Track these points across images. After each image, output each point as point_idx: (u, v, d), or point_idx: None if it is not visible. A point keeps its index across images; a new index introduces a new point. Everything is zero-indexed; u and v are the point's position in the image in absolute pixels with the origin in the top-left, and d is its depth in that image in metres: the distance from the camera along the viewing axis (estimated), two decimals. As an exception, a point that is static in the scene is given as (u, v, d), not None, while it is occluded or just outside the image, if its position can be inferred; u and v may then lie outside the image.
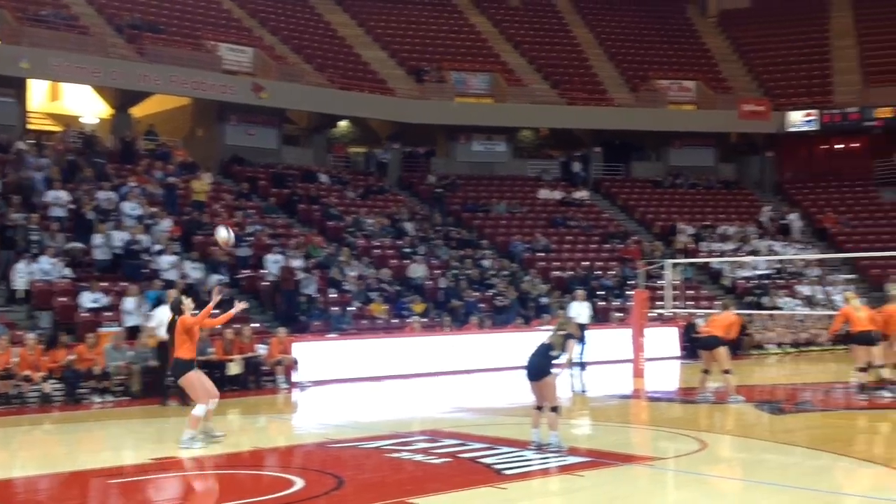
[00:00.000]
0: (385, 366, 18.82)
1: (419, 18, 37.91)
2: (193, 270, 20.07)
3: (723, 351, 14.77)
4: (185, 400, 14.78)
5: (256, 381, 17.14)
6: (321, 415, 15.29)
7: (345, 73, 32.46)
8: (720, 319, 15.00)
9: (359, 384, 17.83)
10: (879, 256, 28.82)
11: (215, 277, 19.88)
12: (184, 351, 10.88)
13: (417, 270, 24.49)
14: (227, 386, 16.08)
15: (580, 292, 20.89)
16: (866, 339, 14.92)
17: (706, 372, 15.00)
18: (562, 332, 10.61)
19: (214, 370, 15.98)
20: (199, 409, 10.80)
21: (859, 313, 15.10)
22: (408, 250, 25.78)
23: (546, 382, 10.39)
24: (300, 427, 14.04)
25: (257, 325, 19.20)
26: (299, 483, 8.97)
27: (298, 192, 27.48)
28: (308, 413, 15.79)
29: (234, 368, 16.64)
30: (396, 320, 21.84)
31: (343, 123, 34.50)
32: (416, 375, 18.88)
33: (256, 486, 9.45)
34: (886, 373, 15.13)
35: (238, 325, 17.34)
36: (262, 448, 11.22)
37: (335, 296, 21.91)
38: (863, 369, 15.02)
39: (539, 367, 10.42)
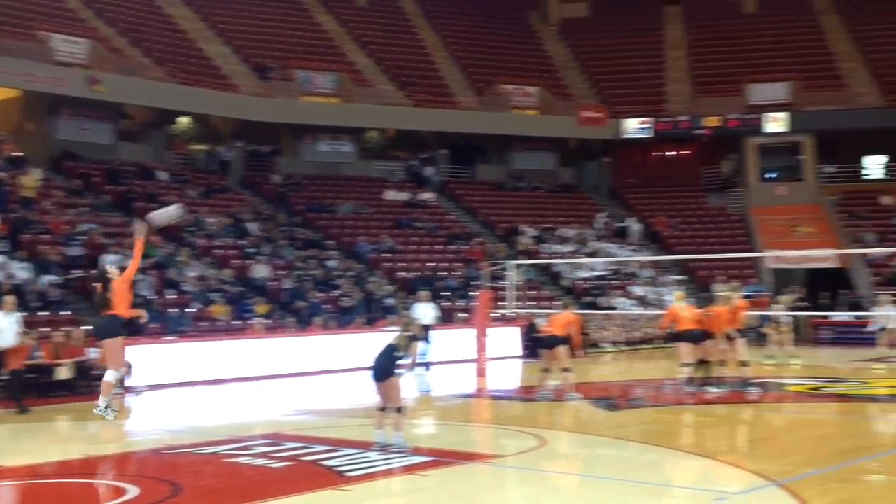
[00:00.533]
0: (226, 369, 18.36)
1: (264, 14, 37.27)
2: (21, 271, 19.07)
3: (562, 349, 15.15)
4: (23, 408, 14.01)
5: (88, 387, 16.33)
6: (157, 420, 14.75)
7: (186, 67, 31.56)
8: (560, 319, 15.38)
9: (198, 388, 17.36)
10: (707, 259, 30.39)
11: (46, 279, 18.96)
12: (122, 309, 11.53)
13: (261, 271, 24.09)
14: (57, 391, 15.35)
15: (424, 293, 21.04)
16: (690, 336, 15.68)
17: (546, 370, 15.35)
18: (407, 334, 10.67)
19: (42, 374, 15.22)
20: (111, 375, 11.19)
21: (684, 312, 15.83)
22: (251, 250, 25.33)
23: (391, 383, 10.41)
24: (135, 433, 13.51)
25: (89, 327, 18.38)
26: (133, 491, 8.64)
27: (135, 190, 26.53)
28: (143, 419, 15.22)
29: (63, 373, 15.88)
30: (238, 322, 21.42)
31: (184, 120, 33.53)
32: (258, 378, 18.53)
33: (87, 495, 9.05)
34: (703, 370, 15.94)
35: (68, 328, 16.58)
36: (94, 455, 10.74)
37: (174, 297, 21.28)
38: (687, 365, 15.77)
39: (384, 368, 10.43)
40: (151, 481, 9.19)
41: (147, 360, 17.25)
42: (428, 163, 35.69)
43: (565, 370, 15.14)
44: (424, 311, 19.58)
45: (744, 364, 15.52)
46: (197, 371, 17.93)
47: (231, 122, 32.59)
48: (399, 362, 10.54)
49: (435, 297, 26.12)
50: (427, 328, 18.83)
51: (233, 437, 11.58)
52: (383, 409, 10.53)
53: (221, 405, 15.95)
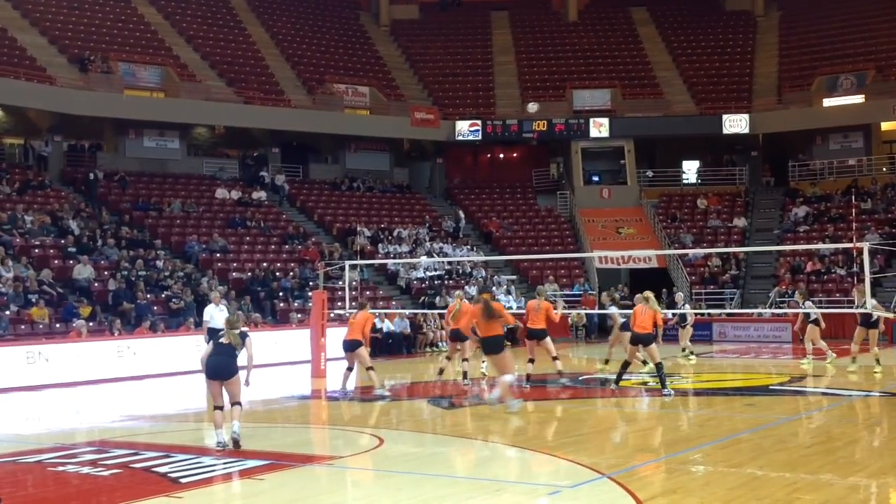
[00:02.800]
0: (48, 374, 17.51)
1: (82, 4, 35.69)
2: None
3: (364, 350, 15.57)
4: None
5: None
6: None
7: (-2, 57, 29.83)
8: (357, 322, 15.57)
9: (18, 394, 16.46)
10: (537, 259, 31.22)
11: None
12: None
13: (83, 272, 23.03)
14: None
15: (216, 294, 19.57)
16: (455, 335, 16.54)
17: (370, 369, 15.57)
18: (235, 331, 10.68)
19: None
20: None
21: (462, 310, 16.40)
22: (72, 250, 24.18)
23: (234, 381, 10.50)
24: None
25: None
26: (-54, 507, 8.09)
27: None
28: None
29: None
30: (60, 325, 20.42)
31: (-4, 112, 31.70)
32: (82, 383, 17.74)
33: None
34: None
35: None
36: None
37: (-12, 299, 20.08)
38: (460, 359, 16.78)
39: (228, 366, 10.50)
40: (-33, 495, 8.63)
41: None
42: (257, 161, 35.10)
43: (369, 369, 15.56)
44: (216, 314, 18.22)
45: (555, 359, 16.12)
46: (16, 376, 17.08)
47: (48, 115, 30.97)
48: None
49: (270, 297, 25.77)
50: (219, 332, 18.03)
51: (57, 445, 11.08)
52: (220, 407, 10.49)
53: (44, 412, 15.18)
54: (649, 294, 15.22)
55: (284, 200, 33.99)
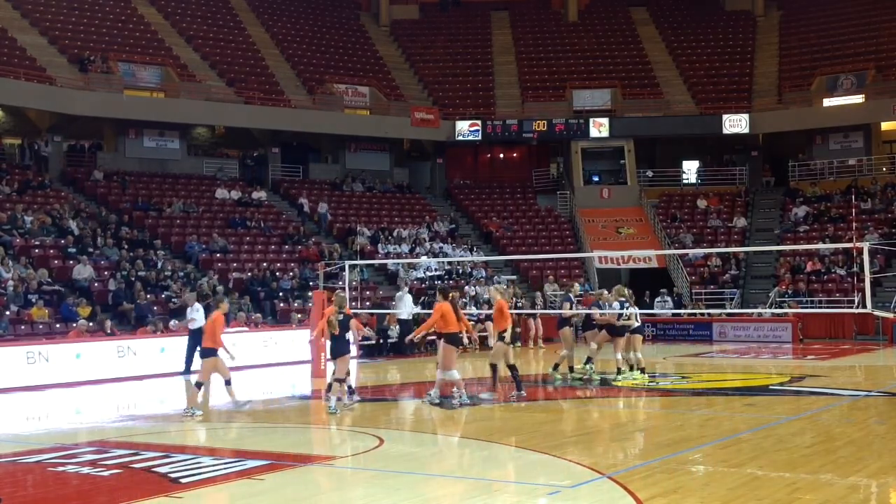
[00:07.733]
0: (48, 374, 17.51)
1: (81, 4, 35.72)
2: None
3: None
4: None
5: None
6: (-28, 430, 13.87)
7: (-2, 57, 29.85)
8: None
9: (18, 394, 16.45)
10: (538, 259, 31.20)
11: None
12: None
13: (83, 272, 23.04)
14: None
15: (189, 295, 19.03)
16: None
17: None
18: (340, 315, 13.43)
19: None
20: None
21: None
22: (72, 250, 24.18)
23: (344, 359, 13.61)
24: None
25: None
26: (-54, 507, 8.08)
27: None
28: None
29: None
30: (60, 325, 20.41)
31: (-4, 112, 31.71)
32: (82, 383, 17.73)
33: None
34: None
35: None
36: None
37: (-12, 299, 20.07)
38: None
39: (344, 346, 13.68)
40: (-33, 496, 8.62)
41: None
42: (257, 161, 35.11)
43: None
44: (200, 314, 18.00)
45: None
46: (16, 376, 17.06)
47: (48, 115, 31.00)
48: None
49: (270, 297, 25.78)
50: (197, 333, 18.00)
51: (57, 445, 11.06)
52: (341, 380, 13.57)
53: (43, 412, 15.17)
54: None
55: (324, 230, 33.12)
